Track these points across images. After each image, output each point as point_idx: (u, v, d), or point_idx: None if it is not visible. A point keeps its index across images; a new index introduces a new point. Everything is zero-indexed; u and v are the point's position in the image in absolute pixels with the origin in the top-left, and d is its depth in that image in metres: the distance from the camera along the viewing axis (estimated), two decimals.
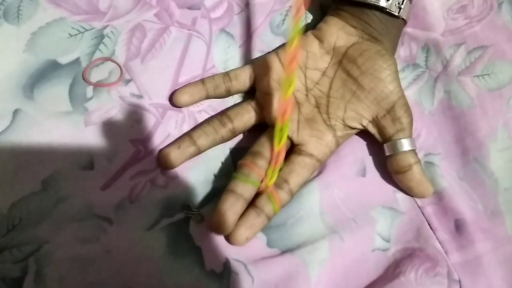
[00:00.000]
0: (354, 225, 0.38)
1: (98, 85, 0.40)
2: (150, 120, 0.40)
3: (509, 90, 0.42)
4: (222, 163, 0.41)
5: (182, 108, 0.41)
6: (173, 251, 0.36)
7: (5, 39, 0.40)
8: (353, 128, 0.40)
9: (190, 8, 0.44)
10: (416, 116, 0.41)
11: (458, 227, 0.39)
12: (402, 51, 0.45)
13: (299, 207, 0.39)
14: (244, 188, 0.36)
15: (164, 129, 0.40)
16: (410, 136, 0.39)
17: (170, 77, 0.42)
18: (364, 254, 0.38)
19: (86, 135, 0.39)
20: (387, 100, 0.39)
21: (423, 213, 0.40)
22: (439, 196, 0.40)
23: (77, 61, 0.40)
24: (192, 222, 0.37)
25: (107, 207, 0.37)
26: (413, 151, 0.39)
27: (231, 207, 0.35)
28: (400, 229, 0.40)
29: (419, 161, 0.39)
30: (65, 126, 0.38)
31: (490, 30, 0.44)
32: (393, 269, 0.38)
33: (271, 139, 0.37)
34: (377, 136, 0.40)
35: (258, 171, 0.37)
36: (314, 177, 0.40)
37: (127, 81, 0.41)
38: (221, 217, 0.35)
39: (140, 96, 0.40)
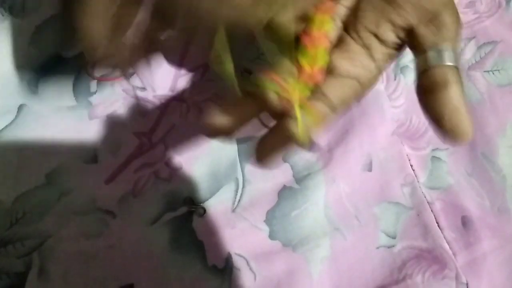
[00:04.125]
0: (357, 223, 0.38)
1: (102, 79, 0.40)
2: (154, 112, 0.40)
3: None
4: (227, 154, 0.40)
5: (186, 98, 0.41)
6: (175, 246, 0.36)
7: (9, 32, 0.40)
8: (391, 46, 0.30)
9: None
10: None
11: (465, 223, 0.39)
12: None
13: (304, 199, 0.39)
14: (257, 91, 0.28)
15: (169, 120, 0.40)
16: (456, 49, 0.29)
17: (173, 68, 0.41)
18: (368, 251, 0.38)
19: (90, 128, 0.39)
20: (431, 3, 0.29)
21: (432, 210, 0.40)
22: (446, 192, 0.40)
23: (81, 55, 0.40)
24: (195, 216, 0.37)
25: (110, 201, 0.37)
26: (457, 68, 0.28)
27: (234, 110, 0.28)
28: (407, 225, 0.39)
29: (461, 83, 0.27)
30: (69, 120, 0.38)
31: (500, 26, 0.44)
32: (399, 270, 0.37)
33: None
34: (415, 49, 0.30)
35: (281, 81, 0.28)
36: (321, 170, 0.40)
37: (131, 74, 0.40)
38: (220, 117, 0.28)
39: (143, 89, 0.40)
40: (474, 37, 0.44)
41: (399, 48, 0.31)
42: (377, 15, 0.30)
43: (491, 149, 0.41)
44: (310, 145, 0.32)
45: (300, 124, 0.27)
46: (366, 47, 0.30)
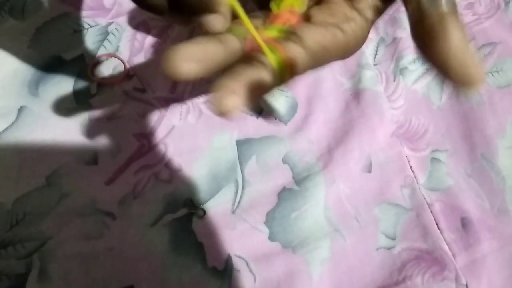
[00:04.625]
0: (356, 225, 0.38)
1: (102, 81, 0.40)
2: (154, 113, 0.40)
3: None
4: (227, 155, 0.40)
5: (185, 99, 0.41)
6: (175, 247, 0.36)
7: (10, 34, 0.40)
8: None
9: None
10: (424, 111, 0.41)
11: (465, 225, 0.39)
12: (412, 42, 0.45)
13: (304, 201, 0.39)
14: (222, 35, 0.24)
15: (169, 122, 0.40)
16: None
17: None
18: (368, 253, 0.38)
19: (90, 130, 0.39)
20: None
21: (431, 211, 0.40)
22: (446, 194, 0.40)
23: (81, 57, 0.40)
24: (195, 218, 0.37)
25: (111, 202, 0.37)
26: (454, 14, 0.24)
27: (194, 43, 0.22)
28: (406, 226, 0.39)
29: (462, 27, 0.24)
30: (69, 122, 0.39)
31: (499, 27, 0.44)
32: (399, 272, 0.37)
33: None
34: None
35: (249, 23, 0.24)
36: (320, 171, 0.40)
37: (131, 76, 0.41)
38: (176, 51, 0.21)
39: (143, 90, 0.40)
40: (473, 39, 0.44)
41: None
42: None
43: (491, 150, 0.41)
44: (284, 86, 0.27)
45: (272, 60, 0.23)
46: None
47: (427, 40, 0.24)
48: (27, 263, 0.34)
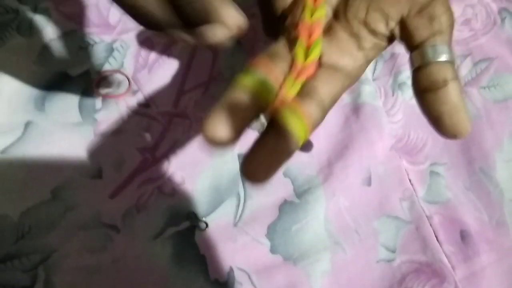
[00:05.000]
0: (357, 237, 0.39)
1: (107, 97, 0.41)
2: (157, 128, 0.41)
3: None
4: (229, 169, 0.41)
5: (189, 115, 0.42)
6: (178, 260, 0.36)
7: (17, 50, 0.41)
8: (381, 37, 0.30)
9: None
10: (422, 125, 0.42)
11: (464, 237, 0.39)
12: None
13: (305, 214, 0.39)
14: (251, 89, 0.25)
15: (172, 136, 0.41)
16: (449, 43, 0.28)
17: (176, 85, 0.42)
18: (368, 265, 0.38)
19: (95, 145, 0.39)
20: None
21: (430, 224, 0.40)
22: (445, 207, 0.40)
23: (87, 73, 0.41)
24: (197, 231, 0.38)
25: (114, 216, 0.38)
26: (452, 63, 0.27)
27: (230, 111, 0.24)
28: (406, 239, 0.40)
29: (458, 78, 0.27)
30: (74, 136, 0.39)
31: (495, 43, 0.45)
32: (399, 284, 0.38)
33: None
34: (406, 43, 0.29)
35: (275, 72, 0.26)
36: (321, 184, 0.40)
37: (135, 92, 0.41)
38: (214, 124, 0.24)
39: (147, 105, 0.41)
40: (470, 54, 0.45)
41: (388, 40, 0.30)
42: (367, 4, 0.29)
43: (489, 163, 0.41)
44: (307, 147, 0.29)
45: (293, 125, 0.24)
46: (355, 36, 0.29)
47: (427, 88, 0.26)
48: (32, 275, 0.35)
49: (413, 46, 0.28)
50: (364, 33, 0.29)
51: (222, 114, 0.24)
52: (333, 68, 0.28)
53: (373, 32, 0.29)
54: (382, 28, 0.29)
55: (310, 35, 0.27)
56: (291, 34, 0.28)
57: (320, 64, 0.28)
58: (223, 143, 0.24)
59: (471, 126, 0.26)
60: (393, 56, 0.45)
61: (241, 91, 0.24)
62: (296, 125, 0.24)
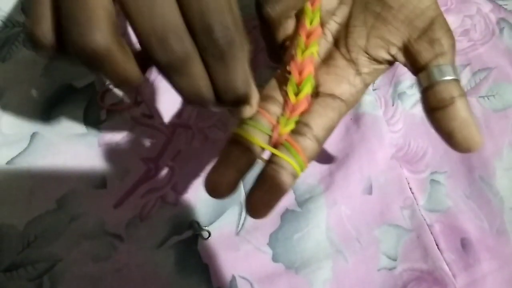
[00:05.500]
0: (358, 246, 0.39)
1: (111, 108, 0.41)
2: (161, 138, 0.41)
3: None
4: None
5: (191, 125, 0.42)
6: (181, 269, 0.37)
7: (24, 63, 0.42)
8: (381, 62, 0.31)
9: None
10: (422, 134, 0.42)
11: (465, 245, 0.40)
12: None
13: (306, 222, 0.40)
14: (245, 139, 0.28)
15: (175, 146, 0.41)
16: (452, 63, 0.29)
17: (179, 96, 0.43)
18: (369, 274, 0.38)
19: (100, 155, 0.40)
20: (422, 17, 0.29)
21: (431, 232, 0.41)
22: (445, 215, 0.41)
23: (91, 85, 0.42)
24: (200, 239, 0.38)
25: (118, 225, 0.38)
26: (457, 81, 0.28)
27: (232, 161, 0.27)
28: (407, 247, 0.40)
29: (464, 94, 0.28)
30: (79, 147, 0.40)
31: (494, 53, 0.45)
32: None
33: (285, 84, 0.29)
34: (410, 66, 0.30)
35: (269, 117, 0.28)
36: (322, 193, 0.41)
37: (139, 103, 0.42)
38: (219, 175, 0.27)
39: (151, 116, 0.42)
40: (469, 64, 0.45)
41: (389, 63, 0.31)
42: (367, 31, 0.30)
43: (489, 172, 0.42)
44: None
45: (289, 162, 0.27)
46: (353, 62, 0.31)
47: (436, 107, 0.28)
48: (37, 284, 0.35)
49: (418, 68, 0.29)
50: (363, 59, 0.30)
51: (220, 169, 0.27)
52: (330, 97, 0.30)
53: (373, 58, 0.30)
54: (383, 54, 0.30)
55: (301, 72, 0.29)
56: (285, 71, 0.29)
57: (317, 94, 0.30)
58: (224, 192, 0.26)
59: (482, 139, 0.27)
60: (393, 66, 0.46)
61: (235, 146, 0.27)
62: (291, 161, 0.27)
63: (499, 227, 0.40)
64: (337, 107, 0.30)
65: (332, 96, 0.30)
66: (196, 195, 0.40)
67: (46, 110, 0.41)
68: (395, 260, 0.39)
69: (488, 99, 0.44)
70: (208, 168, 0.41)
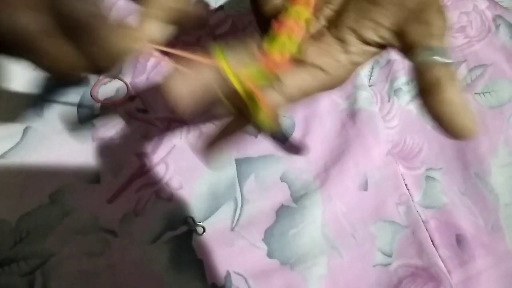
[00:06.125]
0: (353, 242, 0.39)
1: (105, 103, 0.41)
2: (155, 133, 0.41)
3: (509, 107, 0.43)
4: (226, 174, 0.41)
5: (186, 120, 0.42)
6: (175, 265, 0.37)
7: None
8: (371, 44, 0.30)
9: (194, 28, 0.45)
10: (418, 131, 0.42)
11: (460, 242, 0.40)
12: (406, 64, 0.46)
13: (302, 218, 0.39)
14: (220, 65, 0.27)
15: (169, 141, 0.41)
16: (444, 46, 0.28)
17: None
18: (365, 270, 0.38)
19: (93, 150, 0.40)
20: (413, 1, 0.28)
21: (426, 228, 0.41)
22: (440, 211, 0.41)
23: (85, 79, 0.41)
24: (194, 235, 0.38)
25: (112, 220, 0.38)
26: (449, 65, 0.27)
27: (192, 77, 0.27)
28: (402, 243, 0.40)
29: (456, 79, 0.27)
30: (73, 141, 0.40)
31: (490, 50, 0.45)
32: None
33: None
34: (400, 50, 0.29)
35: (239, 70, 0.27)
36: (317, 189, 0.41)
37: (133, 98, 0.42)
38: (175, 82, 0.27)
39: (145, 111, 0.42)
40: (465, 61, 0.45)
41: (379, 46, 0.30)
42: (359, 14, 0.30)
43: (484, 169, 0.42)
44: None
45: (255, 112, 0.27)
46: (341, 40, 0.30)
47: (427, 91, 0.27)
48: (29, 280, 0.35)
49: (408, 51, 0.29)
50: (352, 39, 0.30)
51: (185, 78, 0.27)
52: (311, 65, 0.29)
53: (363, 39, 0.30)
54: (372, 36, 0.29)
55: (287, 34, 0.29)
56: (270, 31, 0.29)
57: (298, 61, 0.29)
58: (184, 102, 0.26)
59: (474, 126, 0.25)
60: (389, 62, 0.46)
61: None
62: (254, 109, 0.27)
63: (494, 223, 0.40)
64: (317, 75, 0.29)
65: (313, 64, 0.29)
66: (191, 191, 0.40)
67: (39, 104, 0.40)
68: (390, 256, 0.39)
69: (484, 95, 0.44)
70: (203, 164, 0.41)
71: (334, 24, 0.30)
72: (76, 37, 0.22)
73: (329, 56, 0.30)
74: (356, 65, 0.31)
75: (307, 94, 0.29)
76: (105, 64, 0.24)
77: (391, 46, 0.29)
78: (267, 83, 0.28)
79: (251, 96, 0.27)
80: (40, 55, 0.21)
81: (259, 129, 0.28)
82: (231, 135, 0.28)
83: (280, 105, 0.28)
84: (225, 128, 0.28)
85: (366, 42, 0.30)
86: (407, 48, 0.28)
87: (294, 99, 0.29)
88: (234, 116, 0.28)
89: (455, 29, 0.46)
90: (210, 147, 0.28)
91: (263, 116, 0.27)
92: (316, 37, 0.30)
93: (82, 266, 0.36)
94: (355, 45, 0.30)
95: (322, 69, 0.29)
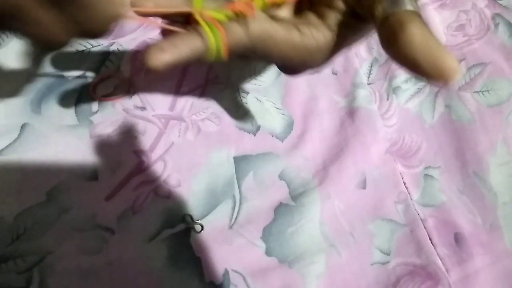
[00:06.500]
0: (352, 240, 0.39)
1: (103, 99, 0.41)
2: (153, 130, 0.41)
3: (508, 106, 0.43)
4: (224, 171, 0.41)
5: (184, 117, 0.42)
6: (173, 262, 0.36)
7: (14, 53, 0.41)
8: (343, 12, 0.29)
9: None
10: (417, 129, 0.42)
11: (458, 240, 0.40)
12: None
13: (300, 216, 0.39)
14: None
15: (168, 139, 0.41)
16: None
17: (172, 88, 0.42)
18: (363, 268, 0.38)
19: (91, 147, 0.39)
20: None
21: (425, 226, 0.41)
22: (439, 210, 0.41)
23: (83, 76, 0.41)
24: (192, 233, 0.38)
25: (110, 218, 0.38)
26: (417, 13, 0.24)
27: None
28: (401, 242, 0.40)
29: (420, 16, 0.24)
30: (70, 138, 0.39)
31: (489, 48, 0.45)
32: (394, 287, 0.38)
33: None
34: (368, 13, 0.26)
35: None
36: (316, 187, 0.40)
37: (131, 94, 0.42)
38: None
39: (143, 108, 0.41)
40: (464, 59, 0.45)
41: (353, 16, 0.28)
42: None
43: (482, 167, 0.42)
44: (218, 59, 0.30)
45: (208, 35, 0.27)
46: (320, 16, 0.29)
47: (391, 39, 0.23)
48: (27, 277, 0.35)
49: (370, 7, 0.26)
50: (327, 12, 0.29)
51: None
52: (291, 24, 0.29)
53: (334, 8, 0.29)
54: (339, 3, 0.29)
55: None
56: None
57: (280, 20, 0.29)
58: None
59: (455, 63, 0.22)
60: (387, 60, 0.46)
61: None
62: (208, 31, 0.26)
63: (493, 222, 0.40)
64: (292, 32, 0.29)
65: (292, 23, 0.29)
66: (189, 188, 0.39)
67: (36, 101, 0.40)
68: (388, 254, 0.39)
69: (483, 94, 0.44)
70: (202, 161, 0.41)
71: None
72: (62, 2, 0.21)
73: (306, 22, 0.29)
74: (338, 35, 0.29)
75: (271, 40, 0.28)
76: (91, 28, 0.23)
77: (363, 15, 0.27)
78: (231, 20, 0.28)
79: (210, 25, 0.27)
80: (27, 21, 0.21)
81: (211, 57, 0.27)
82: (181, 46, 0.26)
83: (241, 39, 0.27)
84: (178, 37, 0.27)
85: (337, 11, 0.29)
86: (369, 10, 0.26)
87: (259, 41, 0.28)
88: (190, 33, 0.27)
89: (454, 28, 0.46)
90: (157, 46, 0.26)
91: (217, 42, 0.27)
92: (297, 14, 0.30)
93: (79, 264, 0.36)
94: (332, 16, 0.29)
95: (298, 30, 0.29)
